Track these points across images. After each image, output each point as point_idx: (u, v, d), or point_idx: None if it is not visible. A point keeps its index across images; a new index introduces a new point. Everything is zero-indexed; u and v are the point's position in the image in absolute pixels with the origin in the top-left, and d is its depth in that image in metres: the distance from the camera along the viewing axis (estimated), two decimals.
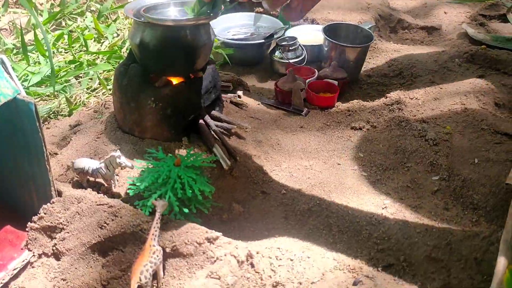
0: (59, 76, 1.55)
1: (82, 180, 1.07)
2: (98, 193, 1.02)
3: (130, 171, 1.11)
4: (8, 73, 0.94)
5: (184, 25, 1.07)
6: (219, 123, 1.25)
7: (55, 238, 0.94)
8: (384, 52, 1.88)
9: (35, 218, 0.96)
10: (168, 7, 1.17)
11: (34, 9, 1.93)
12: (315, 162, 1.30)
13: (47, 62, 1.60)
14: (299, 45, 1.73)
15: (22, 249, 0.95)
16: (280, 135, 1.39)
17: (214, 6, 1.02)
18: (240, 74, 1.75)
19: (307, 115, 1.52)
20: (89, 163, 1.04)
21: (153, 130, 1.18)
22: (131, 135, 1.22)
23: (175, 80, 1.17)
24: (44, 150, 0.91)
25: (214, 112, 1.27)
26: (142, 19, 1.07)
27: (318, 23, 2.05)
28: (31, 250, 0.95)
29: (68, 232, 0.94)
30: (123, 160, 1.01)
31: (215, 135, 1.22)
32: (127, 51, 1.66)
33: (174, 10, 1.17)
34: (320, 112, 1.54)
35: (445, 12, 2.30)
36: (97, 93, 1.53)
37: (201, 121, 1.22)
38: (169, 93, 1.13)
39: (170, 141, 1.19)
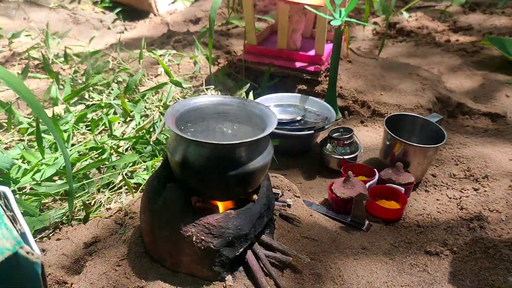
0: (77, 169, 1.32)
1: None
2: None
3: None
4: (11, 212, 0.71)
5: (240, 144, 0.83)
6: (270, 253, 1.00)
7: None
8: (448, 145, 1.64)
9: None
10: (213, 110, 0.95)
11: (56, 79, 1.74)
12: None
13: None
14: (356, 138, 1.49)
15: None
16: (341, 262, 1.12)
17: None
18: (284, 167, 1.51)
19: (368, 230, 1.26)
20: None
21: (190, 266, 0.93)
22: (161, 265, 0.97)
23: (222, 206, 0.93)
24: None
25: (264, 238, 1.02)
26: (188, 134, 0.84)
27: (369, 106, 1.83)
28: None
29: None
30: None
31: (265, 270, 0.96)
32: (157, 142, 1.44)
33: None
34: (384, 227, 1.28)
35: (507, 96, 2.06)
36: (118, 193, 1.29)
37: (249, 252, 0.97)
38: (215, 222, 0.88)
39: (211, 280, 0.93)
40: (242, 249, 0.93)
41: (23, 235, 0.71)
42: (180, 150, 0.87)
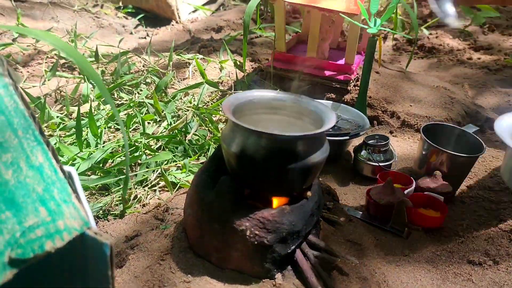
0: (110, 166, 1.30)
1: None
2: None
3: None
4: (77, 195, 0.69)
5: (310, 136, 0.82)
6: (318, 254, 0.97)
7: None
8: (481, 158, 1.62)
9: None
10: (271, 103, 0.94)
11: (87, 77, 1.74)
12: None
13: (97, 146, 1.36)
14: (391, 146, 1.47)
15: None
16: (385, 268, 1.10)
17: None
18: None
19: (408, 238, 1.24)
20: None
21: (239, 262, 0.90)
22: (206, 261, 0.94)
23: (276, 201, 0.91)
24: None
25: (311, 238, 0.99)
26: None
27: (399, 117, 1.82)
28: None
29: None
30: None
31: (314, 270, 0.94)
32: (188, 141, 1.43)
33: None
34: (424, 236, 1.25)
35: None
36: (153, 190, 1.27)
37: (298, 251, 0.94)
38: (270, 217, 0.86)
39: (260, 277, 0.90)
40: (293, 246, 0.90)
41: None
42: (238, 142, 0.85)
